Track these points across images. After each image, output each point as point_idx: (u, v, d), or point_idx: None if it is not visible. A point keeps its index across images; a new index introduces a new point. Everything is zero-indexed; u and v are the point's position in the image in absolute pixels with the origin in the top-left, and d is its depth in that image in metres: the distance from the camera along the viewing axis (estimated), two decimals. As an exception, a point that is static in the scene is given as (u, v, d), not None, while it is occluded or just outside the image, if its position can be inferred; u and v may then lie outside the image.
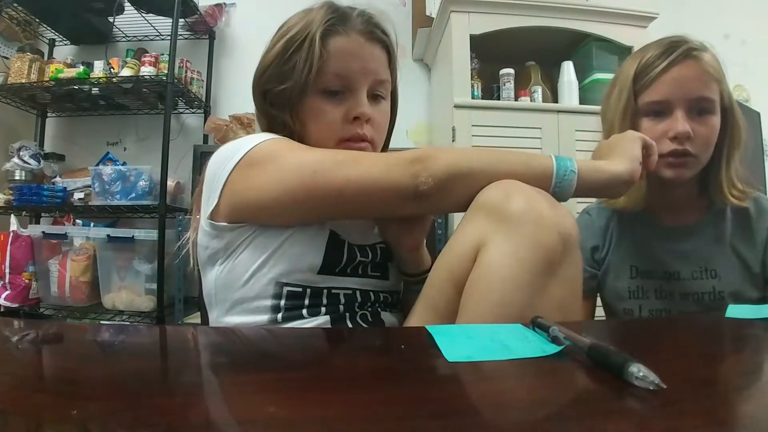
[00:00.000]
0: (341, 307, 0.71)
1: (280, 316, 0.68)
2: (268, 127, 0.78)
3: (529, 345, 0.43)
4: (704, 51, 0.86)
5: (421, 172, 0.62)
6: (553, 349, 0.41)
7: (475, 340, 0.46)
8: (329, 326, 0.69)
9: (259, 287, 0.69)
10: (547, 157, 0.66)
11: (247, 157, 0.68)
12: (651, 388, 0.31)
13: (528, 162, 0.66)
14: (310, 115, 0.74)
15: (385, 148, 0.85)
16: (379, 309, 0.75)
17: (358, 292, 0.73)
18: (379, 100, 0.77)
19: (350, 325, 0.71)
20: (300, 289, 0.69)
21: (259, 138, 0.70)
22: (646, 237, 0.95)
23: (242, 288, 0.69)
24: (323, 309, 0.70)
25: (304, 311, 0.69)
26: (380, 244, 0.79)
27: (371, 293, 0.75)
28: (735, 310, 0.62)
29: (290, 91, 0.72)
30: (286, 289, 0.69)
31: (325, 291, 0.71)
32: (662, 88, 0.85)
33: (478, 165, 0.64)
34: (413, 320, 0.68)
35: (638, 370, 0.32)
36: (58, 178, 2.21)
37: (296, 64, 0.71)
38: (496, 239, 0.58)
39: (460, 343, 0.44)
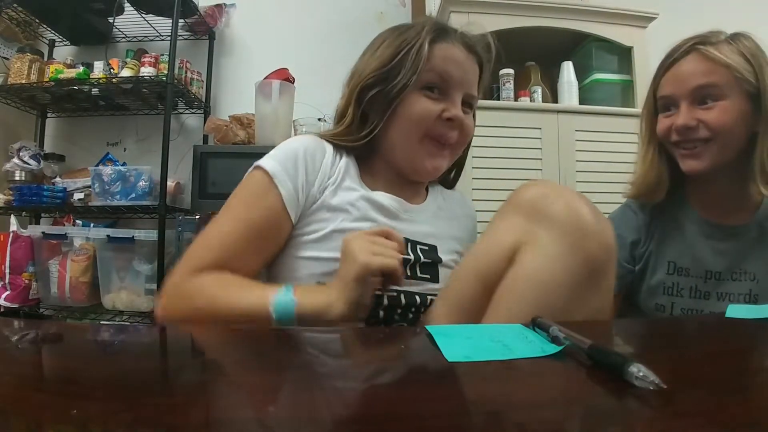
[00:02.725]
0: (381, 312, 0.70)
1: None
2: (353, 125, 0.79)
3: (529, 345, 0.43)
4: (715, 43, 0.85)
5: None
6: (553, 349, 0.41)
7: (474, 340, 0.46)
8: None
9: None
10: (266, 305, 0.62)
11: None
12: (651, 388, 0.31)
13: (247, 310, 0.62)
14: (406, 107, 0.76)
15: (462, 162, 0.92)
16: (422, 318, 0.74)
17: (402, 295, 0.72)
18: (468, 111, 0.81)
19: None
20: None
21: (265, 159, 0.73)
22: (690, 234, 0.94)
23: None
24: (380, 313, 0.70)
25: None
26: (422, 245, 0.78)
27: (417, 296, 0.74)
28: (735, 310, 0.62)
29: (393, 88, 0.75)
30: None
31: (384, 301, 0.70)
32: (667, 84, 0.89)
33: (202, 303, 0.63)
34: (435, 317, 0.67)
35: (638, 370, 0.32)
36: (58, 179, 2.21)
37: (403, 65, 0.75)
38: (538, 241, 0.57)
39: (459, 343, 0.44)
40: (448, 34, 0.78)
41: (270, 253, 0.72)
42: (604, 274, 0.57)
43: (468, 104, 0.81)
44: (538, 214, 0.58)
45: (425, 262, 0.76)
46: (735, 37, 0.87)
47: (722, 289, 0.90)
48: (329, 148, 0.79)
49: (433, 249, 0.79)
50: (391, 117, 0.77)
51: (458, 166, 0.93)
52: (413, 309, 0.73)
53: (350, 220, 0.74)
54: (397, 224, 0.77)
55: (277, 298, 0.62)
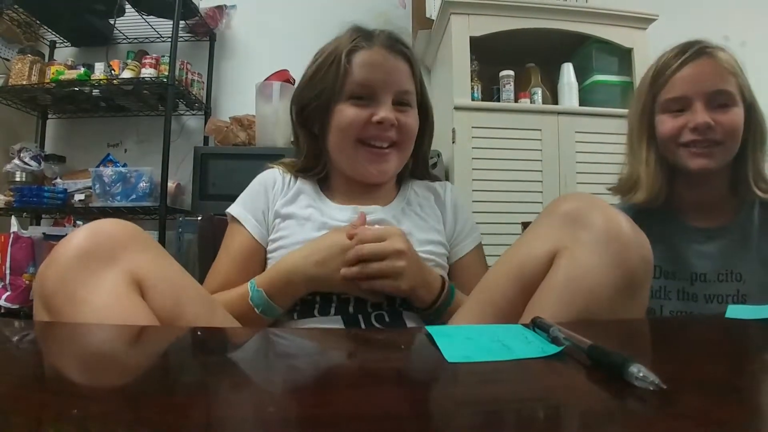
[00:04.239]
0: (351, 308, 0.74)
1: (295, 314, 0.76)
2: (301, 143, 0.88)
3: (529, 345, 0.43)
4: (719, 49, 0.89)
5: None
6: (553, 349, 0.41)
7: (475, 341, 0.46)
8: (341, 326, 0.72)
9: None
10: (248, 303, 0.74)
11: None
12: (651, 388, 0.31)
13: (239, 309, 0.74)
14: (336, 119, 0.81)
15: (425, 153, 0.93)
16: (401, 309, 0.76)
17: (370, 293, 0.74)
18: (405, 108, 0.82)
19: (363, 326, 0.72)
20: (310, 297, 0.76)
21: (232, 206, 0.86)
22: (673, 237, 0.94)
23: None
24: (332, 310, 0.75)
25: (315, 311, 0.75)
26: None
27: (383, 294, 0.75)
28: (735, 311, 0.62)
29: (323, 103, 0.81)
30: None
31: (335, 297, 0.75)
32: (679, 85, 0.89)
33: None
34: (467, 313, 0.68)
35: (638, 371, 0.32)
36: (58, 180, 2.21)
37: (326, 80, 0.81)
38: (578, 248, 0.58)
39: (460, 344, 0.44)
40: (367, 40, 0.82)
41: (258, 272, 0.82)
42: (641, 287, 0.58)
43: (403, 102, 0.82)
44: (576, 223, 0.59)
45: None
46: (722, 48, 0.90)
47: (710, 290, 0.90)
48: (279, 176, 0.88)
49: None
50: (327, 130, 0.83)
51: (422, 158, 0.93)
52: (386, 304, 0.75)
53: (307, 231, 0.80)
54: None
55: (251, 297, 0.73)
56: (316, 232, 0.79)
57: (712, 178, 0.90)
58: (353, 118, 0.79)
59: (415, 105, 0.85)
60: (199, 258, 1.00)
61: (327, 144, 0.84)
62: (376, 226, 0.78)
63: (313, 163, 0.87)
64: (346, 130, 0.80)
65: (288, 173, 0.89)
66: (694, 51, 0.88)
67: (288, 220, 0.83)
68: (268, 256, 0.83)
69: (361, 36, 0.82)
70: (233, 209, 0.86)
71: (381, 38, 0.82)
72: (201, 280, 0.95)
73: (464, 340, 0.46)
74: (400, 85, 0.81)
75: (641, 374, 0.32)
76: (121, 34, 2.37)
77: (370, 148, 0.81)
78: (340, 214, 0.83)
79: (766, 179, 0.89)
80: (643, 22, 2.03)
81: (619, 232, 0.57)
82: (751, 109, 0.89)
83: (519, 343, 0.43)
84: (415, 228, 0.84)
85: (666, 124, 0.90)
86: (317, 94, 0.81)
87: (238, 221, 0.84)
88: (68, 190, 2.14)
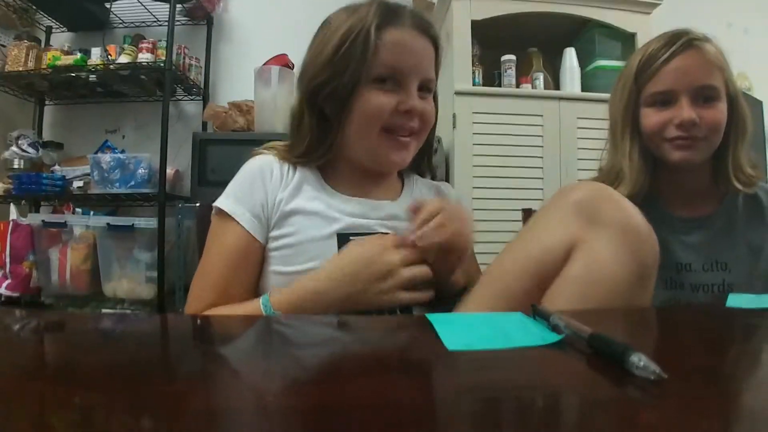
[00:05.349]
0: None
1: None
2: (306, 126, 0.78)
3: (530, 334, 0.43)
4: (706, 41, 0.88)
5: None
6: (553, 337, 0.41)
7: (475, 329, 0.46)
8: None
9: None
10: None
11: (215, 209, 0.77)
12: (651, 377, 0.31)
13: None
14: (359, 103, 0.73)
15: (431, 141, 0.88)
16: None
17: None
18: (426, 95, 0.77)
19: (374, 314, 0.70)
20: None
21: (220, 198, 0.77)
22: (658, 228, 0.93)
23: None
24: None
25: None
26: None
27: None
28: (736, 300, 0.62)
29: (344, 84, 0.72)
30: None
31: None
32: (666, 78, 0.87)
33: None
34: (478, 303, 0.67)
35: (639, 360, 0.32)
36: (56, 167, 2.20)
37: (351, 57, 0.71)
38: (596, 242, 0.58)
39: (460, 332, 0.44)
40: (396, 17, 0.74)
41: (256, 273, 0.77)
42: (651, 277, 0.59)
43: (426, 88, 0.77)
44: (591, 216, 0.59)
45: None
46: (708, 39, 0.89)
47: (695, 280, 0.90)
48: (276, 164, 0.79)
49: None
50: (344, 114, 0.74)
51: (427, 151, 0.90)
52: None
53: (316, 226, 0.75)
54: (366, 222, 0.77)
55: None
56: (326, 228, 0.74)
57: (694, 169, 0.90)
58: (381, 106, 0.72)
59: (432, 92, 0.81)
60: (198, 245, 1.00)
61: (342, 128, 0.76)
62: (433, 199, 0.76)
63: (315, 147, 0.78)
64: (372, 118, 0.73)
65: (285, 161, 0.80)
66: (682, 43, 0.87)
67: (294, 216, 0.76)
68: (271, 253, 0.76)
69: (389, 11, 0.74)
70: (224, 203, 0.76)
71: (410, 17, 0.76)
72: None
73: (465, 329, 0.46)
74: (426, 72, 0.76)
75: (642, 363, 0.32)
76: (117, 19, 2.34)
77: (395, 136, 0.75)
78: (348, 206, 0.77)
79: (746, 171, 0.90)
80: (646, 6, 2.00)
81: (634, 224, 0.58)
82: (734, 101, 0.88)
83: (519, 332, 0.43)
84: None
85: (651, 118, 0.89)
86: (338, 73, 0.72)
87: (230, 217, 0.75)
88: (66, 177, 2.14)
